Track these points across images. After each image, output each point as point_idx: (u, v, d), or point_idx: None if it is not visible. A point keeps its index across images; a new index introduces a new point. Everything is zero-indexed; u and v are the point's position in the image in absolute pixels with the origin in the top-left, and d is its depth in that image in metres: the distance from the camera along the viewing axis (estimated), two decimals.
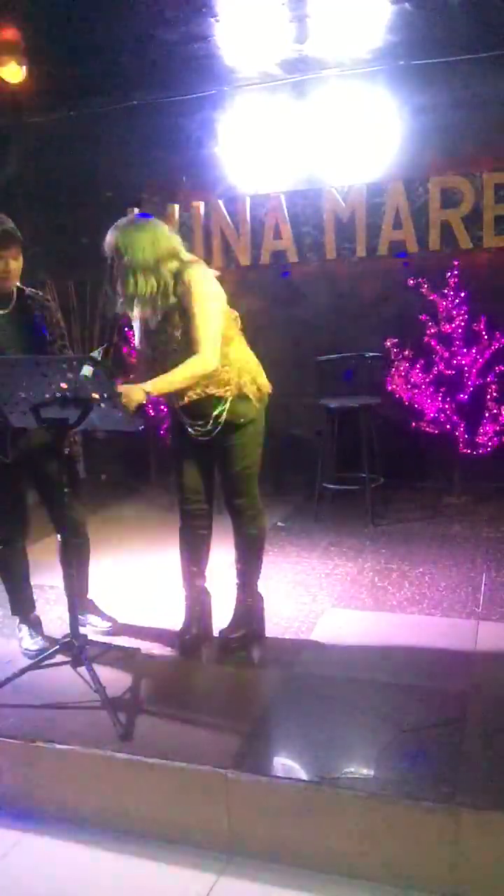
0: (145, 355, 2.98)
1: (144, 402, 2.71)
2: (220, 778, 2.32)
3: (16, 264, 2.94)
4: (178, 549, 3.17)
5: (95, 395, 2.53)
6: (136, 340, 3.04)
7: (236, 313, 2.98)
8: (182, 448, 3.03)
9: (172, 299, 2.81)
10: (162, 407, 3.12)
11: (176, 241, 2.86)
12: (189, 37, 4.61)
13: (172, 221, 5.62)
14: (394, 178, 5.23)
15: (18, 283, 3.06)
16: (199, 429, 2.92)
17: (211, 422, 2.90)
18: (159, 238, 2.79)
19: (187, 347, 2.81)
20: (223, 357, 2.85)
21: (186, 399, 2.87)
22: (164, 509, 5.07)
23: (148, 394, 2.70)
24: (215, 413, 2.89)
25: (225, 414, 2.89)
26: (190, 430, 2.93)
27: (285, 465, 5.58)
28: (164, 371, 2.80)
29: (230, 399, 2.89)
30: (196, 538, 3.13)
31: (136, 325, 3.01)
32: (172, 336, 2.85)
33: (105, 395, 2.54)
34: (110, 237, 2.78)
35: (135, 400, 2.67)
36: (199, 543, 3.14)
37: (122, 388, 2.66)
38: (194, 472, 3.05)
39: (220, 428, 2.90)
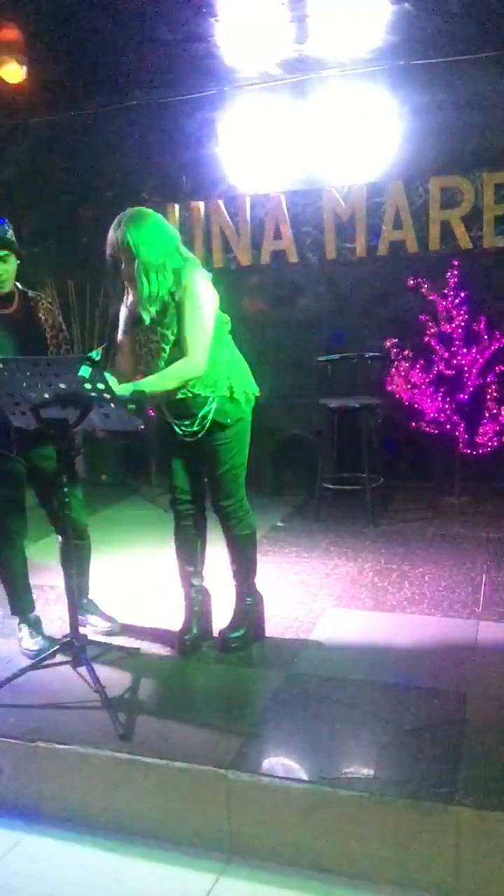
0: (130, 351, 2.97)
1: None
2: (220, 778, 2.32)
3: (4, 266, 2.93)
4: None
5: (95, 396, 2.53)
6: (119, 335, 3.02)
7: (226, 316, 2.98)
8: (171, 448, 3.03)
9: (168, 298, 2.81)
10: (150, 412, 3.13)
11: (176, 236, 2.87)
12: (189, 37, 4.61)
13: (172, 221, 5.62)
14: (394, 178, 5.23)
15: (20, 286, 3.06)
16: (185, 428, 2.92)
17: (197, 421, 2.90)
18: (164, 234, 2.79)
19: (176, 347, 2.81)
20: (211, 358, 2.85)
21: (170, 397, 2.87)
22: (163, 509, 5.07)
23: (134, 392, 2.69)
24: (202, 413, 2.89)
25: (211, 414, 2.89)
26: (177, 429, 2.93)
27: (285, 465, 5.58)
28: (148, 368, 2.80)
29: (217, 399, 2.89)
30: (190, 538, 3.13)
31: (121, 320, 3.00)
32: (163, 335, 2.85)
33: (104, 395, 2.54)
34: (117, 234, 2.74)
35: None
36: (193, 543, 3.14)
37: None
38: (184, 472, 3.05)
39: (206, 428, 2.90)
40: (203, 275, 2.85)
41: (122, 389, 2.65)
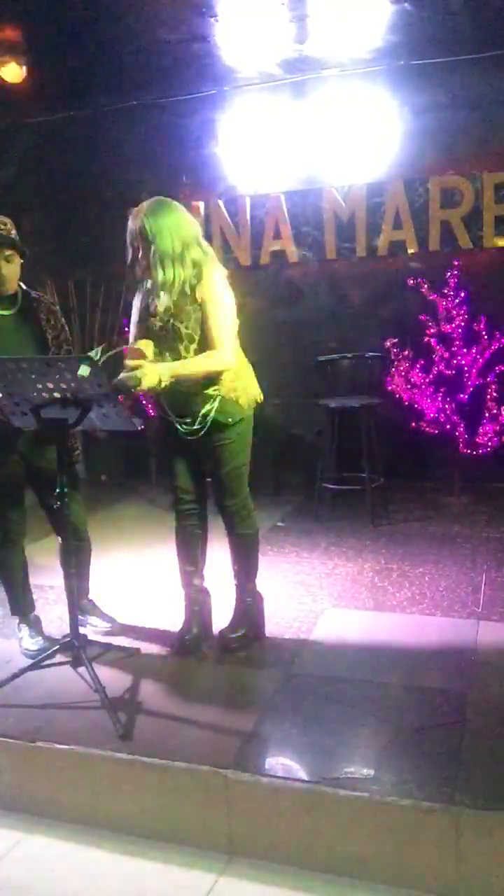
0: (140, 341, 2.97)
1: (156, 385, 2.70)
2: (220, 778, 2.32)
3: (9, 266, 2.93)
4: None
5: (94, 395, 2.53)
6: (132, 326, 3.02)
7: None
8: (173, 448, 3.03)
9: (188, 291, 2.80)
10: (150, 412, 3.11)
11: (197, 228, 2.88)
12: (189, 37, 4.61)
13: None
14: (394, 178, 5.23)
15: (24, 286, 3.06)
16: (187, 426, 2.92)
17: (199, 420, 2.90)
18: (183, 224, 2.80)
19: (191, 342, 2.81)
20: None
21: (173, 390, 2.85)
22: (164, 509, 5.07)
23: (161, 378, 2.71)
24: (203, 411, 2.88)
25: (213, 413, 2.89)
26: (178, 427, 2.93)
27: (285, 465, 5.58)
28: (159, 360, 2.80)
29: (219, 398, 2.89)
30: (191, 538, 3.13)
31: (135, 309, 3.00)
32: (176, 328, 2.84)
33: (104, 395, 2.54)
34: (136, 222, 2.77)
35: (148, 381, 2.67)
36: (194, 543, 3.14)
37: (135, 364, 2.69)
38: (185, 472, 3.05)
39: (207, 426, 2.90)
40: (222, 272, 2.87)
41: (150, 372, 2.67)
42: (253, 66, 5.15)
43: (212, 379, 2.86)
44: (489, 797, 2.14)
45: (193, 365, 2.80)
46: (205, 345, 2.84)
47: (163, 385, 2.72)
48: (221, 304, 2.82)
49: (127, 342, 3.01)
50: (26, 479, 3.14)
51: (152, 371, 2.70)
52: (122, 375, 2.72)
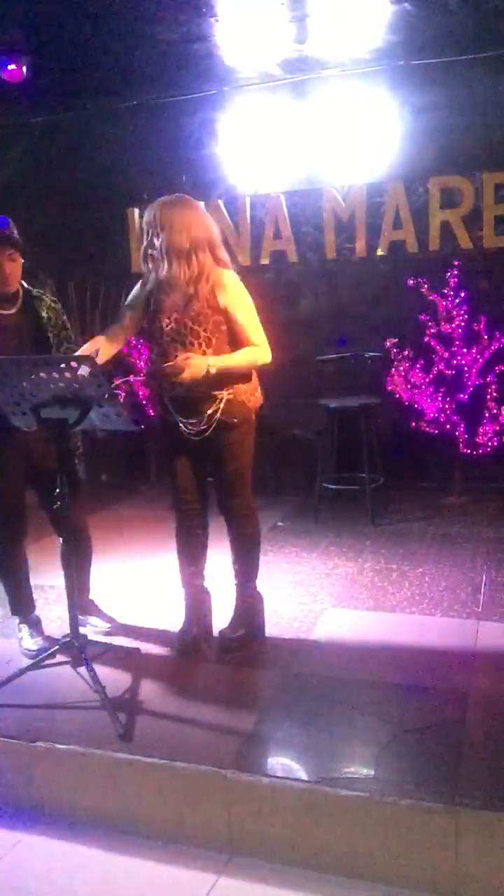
0: (124, 326, 3.01)
1: (200, 377, 2.74)
2: (220, 778, 2.32)
3: (11, 266, 2.93)
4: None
5: (94, 395, 2.53)
6: (122, 309, 3.03)
7: None
8: (175, 448, 3.03)
9: (203, 293, 2.80)
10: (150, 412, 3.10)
11: (212, 232, 2.87)
12: (189, 37, 4.61)
13: None
14: (394, 178, 5.23)
15: (26, 285, 3.06)
16: (192, 427, 2.92)
17: (204, 420, 2.90)
18: (196, 223, 2.80)
19: (209, 347, 2.81)
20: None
21: (178, 389, 2.86)
22: (164, 509, 5.05)
23: (209, 368, 2.74)
24: (209, 412, 2.89)
25: (219, 413, 2.89)
26: (183, 427, 2.93)
27: (285, 465, 5.58)
28: (165, 361, 2.81)
29: (225, 399, 2.89)
30: (192, 538, 3.13)
31: (133, 294, 3.00)
32: (196, 331, 2.83)
33: (104, 395, 2.53)
34: (150, 212, 2.80)
35: (192, 372, 2.71)
36: (195, 543, 3.14)
37: (186, 357, 2.72)
38: (188, 472, 3.05)
39: (213, 427, 2.90)
40: (237, 276, 2.92)
41: (198, 362, 2.72)
42: (253, 66, 5.15)
43: (224, 380, 2.86)
44: (489, 797, 2.14)
45: (238, 358, 2.84)
46: (237, 345, 2.88)
47: (210, 374, 2.75)
48: (248, 307, 2.88)
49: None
50: (27, 480, 3.14)
51: (199, 363, 2.72)
52: (164, 365, 2.76)
